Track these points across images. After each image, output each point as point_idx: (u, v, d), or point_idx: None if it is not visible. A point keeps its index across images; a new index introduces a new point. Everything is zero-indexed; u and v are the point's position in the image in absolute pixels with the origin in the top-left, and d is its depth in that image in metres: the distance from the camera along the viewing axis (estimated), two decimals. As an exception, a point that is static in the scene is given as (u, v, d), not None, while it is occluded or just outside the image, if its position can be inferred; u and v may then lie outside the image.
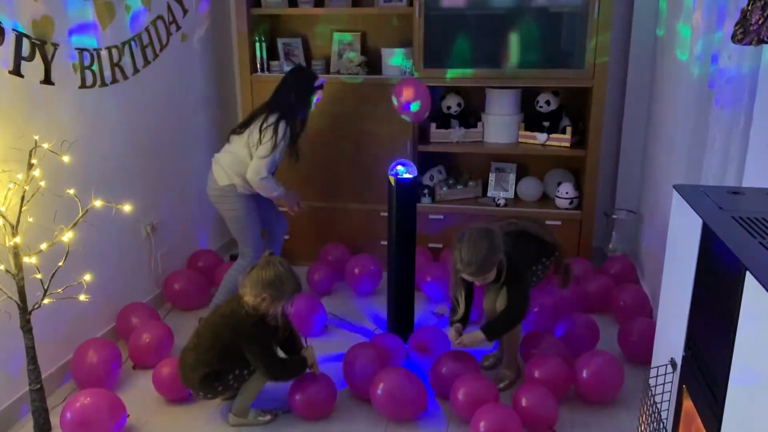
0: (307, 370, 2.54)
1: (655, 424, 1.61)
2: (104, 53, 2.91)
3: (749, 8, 1.72)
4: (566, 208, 3.69)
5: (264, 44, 3.82)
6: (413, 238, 2.99)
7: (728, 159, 2.16)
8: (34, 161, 2.24)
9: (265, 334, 2.44)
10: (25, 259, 2.23)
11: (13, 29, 2.38)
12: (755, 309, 1.13)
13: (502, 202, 3.77)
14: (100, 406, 2.34)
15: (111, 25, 2.94)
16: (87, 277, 2.39)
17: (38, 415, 2.38)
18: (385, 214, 3.05)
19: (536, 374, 2.56)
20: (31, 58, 2.48)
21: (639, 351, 2.80)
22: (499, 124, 3.78)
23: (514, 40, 3.55)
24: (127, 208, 2.46)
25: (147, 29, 3.22)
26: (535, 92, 3.75)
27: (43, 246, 2.25)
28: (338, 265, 3.67)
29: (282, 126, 3.01)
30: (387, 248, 3.04)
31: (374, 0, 3.71)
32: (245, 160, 3.03)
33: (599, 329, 2.94)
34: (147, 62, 3.24)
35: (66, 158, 2.36)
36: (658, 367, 1.66)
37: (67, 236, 2.29)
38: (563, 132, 3.69)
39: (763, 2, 1.66)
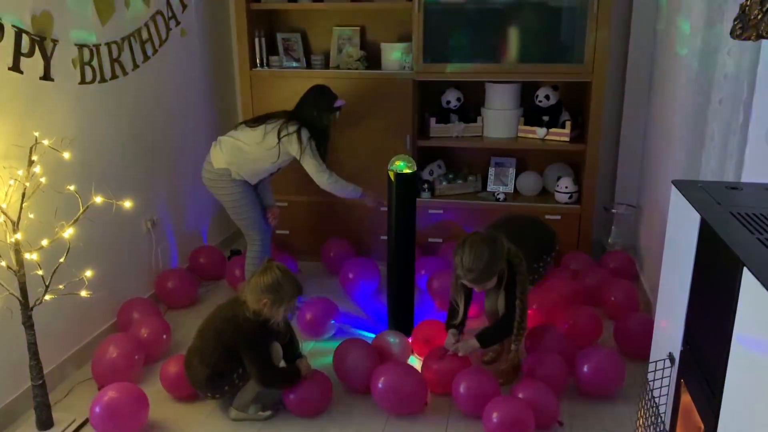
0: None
1: (653, 418, 1.62)
2: (104, 49, 2.91)
3: (748, 3, 1.72)
4: (566, 203, 3.70)
5: (263, 39, 3.82)
6: (413, 233, 3.00)
7: (727, 154, 2.17)
8: (34, 158, 2.25)
9: (264, 339, 2.47)
10: (27, 256, 2.24)
11: (13, 25, 2.38)
12: (752, 305, 1.14)
13: (501, 196, 3.78)
14: (127, 400, 2.39)
15: (110, 20, 2.94)
16: (88, 273, 2.40)
17: (40, 410, 2.39)
18: (385, 209, 3.05)
19: (535, 370, 2.58)
20: (30, 54, 2.48)
21: (635, 346, 2.82)
22: (499, 119, 3.78)
23: (513, 34, 3.55)
24: (127, 204, 2.46)
25: (146, 24, 3.22)
26: (535, 87, 3.75)
27: (45, 242, 2.26)
28: (339, 261, 3.68)
29: (305, 133, 3.07)
30: (386, 243, 3.05)
31: (373, -6, 3.71)
32: (248, 153, 3.07)
33: (602, 322, 2.96)
34: (146, 58, 3.24)
35: (66, 155, 2.37)
36: (656, 361, 1.67)
37: (68, 232, 2.30)
38: (563, 126, 3.69)
39: (761, -2, 1.66)
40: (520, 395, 2.42)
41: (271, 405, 2.58)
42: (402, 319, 3.05)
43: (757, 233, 1.30)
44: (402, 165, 2.91)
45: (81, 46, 2.76)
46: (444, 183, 3.86)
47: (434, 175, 3.93)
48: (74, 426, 2.45)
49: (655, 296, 2.78)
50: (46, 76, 2.57)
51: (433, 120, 3.81)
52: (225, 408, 2.57)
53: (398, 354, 2.77)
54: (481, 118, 3.83)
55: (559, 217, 3.68)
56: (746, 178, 1.96)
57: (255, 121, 3.14)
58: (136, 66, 3.15)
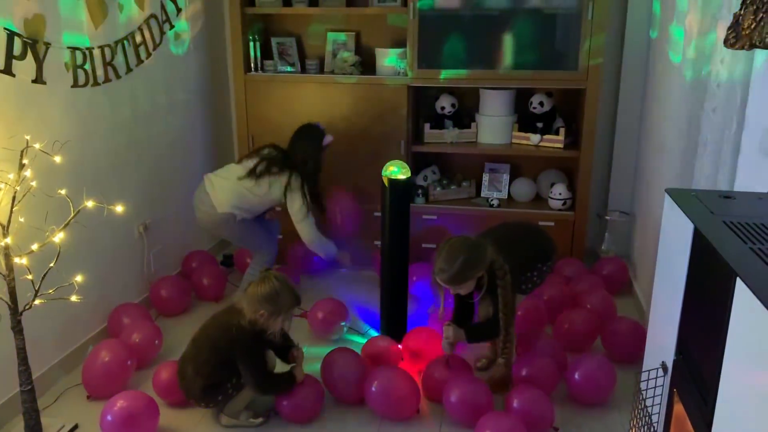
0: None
1: (645, 427, 1.61)
2: (97, 52, 2.89)
3: (741, 12, 1.72)
4: (559, 209, 3.70)
5: (258, 43, 3.81)
6: (407, 239, 2.99)
7: (720, 162, 2.17)
8: (25, 161, 2.23)
9: (260, 348, 2.46)
10: (16, 260, 2.22)
11: (5, 28, 2.36)
12: (745, 315, 1.14)
13: (495, 202, 3.77)
14: (139, 407, 2.39)
15: (104, 24, 2.93)
16: (78, 278, 2.37)
17: (29, 416, 2.36)
18: (379, 214, 3.05)
19: (524, 373, 2.58)
20: (22, 57, 2.46)
21: (623, 352, 2.84)
22: (493, 125, 3.78)
23: (508, 41, 3.56)
24: (119, 208, 2.44)
25: (140, 28, 3.21)
26: (529, 93, 3.75)
27: (35, 246, 2.24)
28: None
29: (306, 190, 3.20)
30: (380, 249, 3.04)
31: (368, 0, 3.71)
32: (253, 199, 3.18)
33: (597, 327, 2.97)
34: (140, 61, 3.22)
35: (57, 158, 2.35)
36: (649, 370, 1.67)
37: (59, 237, 2.28)
38: (557, 133, 3.69)
39: (755, 7, 1.66)
40: (515, 403, 2.42)
41: (263, 412, 2.56)
42: (395, 325, 3.04)
43: (750, 243, 1.30)
44: (396, 170, 2.91)
45: (74, 50, 2.74)
46: (438, 189, 3.86)
47: (428, 180, 3.93)
48: (63, 432, 2.43)
49: (648, 303, 2.78)
50: (39, 79, 2.55)
51: (427, 126, 3.81)
52: (216, 414, 2.55)
53: (388, 359, 2.76)
54: (476, 124, 3.83)
55: (552, 223, 3.68)
56: (739, 186, 1.97)
57: (254, 172, 3.16)
58: (129, 69, 3.14)
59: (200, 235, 3.95)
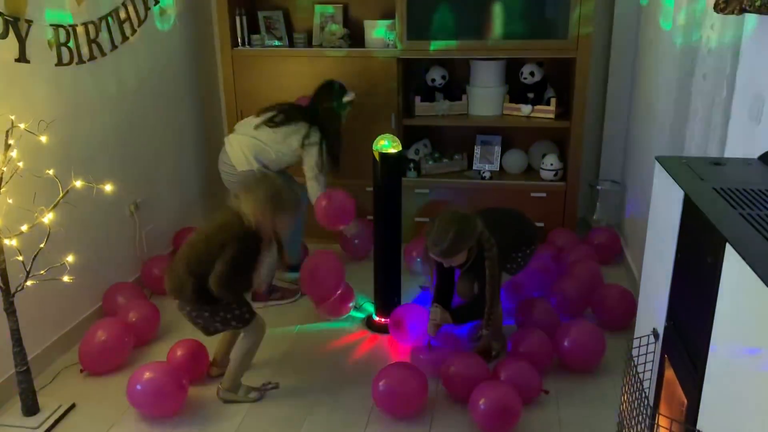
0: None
1: (637, 393, 1.63)
2: (80, 29, 2.85)
3: (731, -23, 1.70)
4: (551, 180, 3.70)
5: (244, 18, 3.75)
6: (399, 213, 2.99)
7: (710, 129, 2.17)
8: (11, 142, 2.20)
9: (250, 247, 2.33)
10: (6, 242, 2.21)
11: (-15, 6, 2.32)
12: (735, 280, 1.14)
13: (487, 175, 3.77)
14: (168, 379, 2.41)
15: (86, 0, 2.87)
16: (70, 258, 2.37)
17: (25, 396, 2.37)
18: (371, 188, 3.04)
19: (519, 348, 2.61)
20: (4, 35, 2.42)
21: (612, 317, 2.89)
22: (484, 97, 3.76)
23: (497, 10, 3.52)
24: (108, 187, 2.43)
25: (124, 4, 3.15)
26: (520, 63, 3.73)
27: (24, 228, 2.22)
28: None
29: (324, 146, 3.17)
30: (373, 223, 3.03)
31: (356, -29, 3.66)
32: (270, 152, 3.13)
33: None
34: (125, 38, 3.17)
35: (44, 138, 2.32)
36: (640, 337, 1.68)
37: (48, 217, 2.26)
38: (548, 103, 3.68)
39: (745, -29, 1.65)
40: (502, 376, 2.44)
41: (259, 387, 2.57)
42: (388, 301, 3.05)
43: (740, 208, 1.31)
44: (387, 144, 2.89)
45: (57, 27, 2.69)
46: (430, 162, 3.84)
47: (420, 154, 3.91)
48: (60, 411, 2.44)
49: (640, 272, 2.80)
50: (22, 58, 2.51)
51: (417, 98, 3.78)
52: (213, 395, 2.57)
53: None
54: (467, 96, 3.80)
55: (544, 194, 3.68)
56: (729, 153, 1.97)
57: (272, 120, 3.15)
58: (114, 47, 3.09)
59: (191, 211, 3.94)
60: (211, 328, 2.44)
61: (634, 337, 1.74)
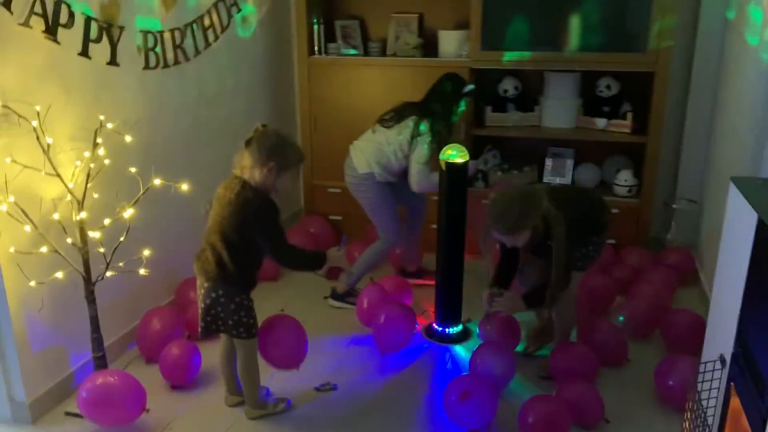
0: (319, 272, 2.47)
1: (701, 421, 1.57)
2: (167, 35, 3.00)
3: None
4: (624, 196, 3.61)
5: (322, 26, 3.85)
6: (463, 223, 2.98)
7: (794, 150, 2.07)
8: (99, 140, 2.35)
9: (275, 212, 2.26)
10: (90, 234, 2.35)
11: (83, 12, 2.48)
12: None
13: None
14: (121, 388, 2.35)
15: (174, 7, 3.02)
16: (146, 252, 2.49)
17: (101, 380, 2.51)
18: (436, 197, 3.05)
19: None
20: (98, 40, 2.58)
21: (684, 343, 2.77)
22: (557, 109, 3.71)
23: (574, 21, 3.47)
24: (184, 186, 2.54)
25: (209, 11, 3.30)
26: (596, 76, 3.66)
27: (107, 221, 2.36)
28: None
29: (437, 138, 3.10)
30: (437, 232, 3.04)
31: (432, -18, 3.69)
32: (387, 152, 3.14)
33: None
34: (208, 44, 3.32)
35: (128, 138, 2.46)
36: (706, 362, 1.63)
37: (128, 212, 2.40)
38: (624, 117, 3.59)
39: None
40: (564, 396, 2.40)
41: (283, 398, 2.56)
42: (451, 309, 3.05)
43: (816, 234, 1.25)
44: (454, 154, 2.89)
45: (146, 33, 2.85)
46: (499, 173, 3.82)
47: (489, 165, 3.89)
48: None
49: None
50: (113, 62, 2.67)
51: (489, 108, 3.77)
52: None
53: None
54: (539, 108, 3.76)
55: (617, 210, 3.58)
56: (813, 175, 1.88)
57: (389, 120, 3.20)
58: (198, 52, 3.24)
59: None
60: (212, 326, 2.35)
61: (701, 362, 1.68)
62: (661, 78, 3.35)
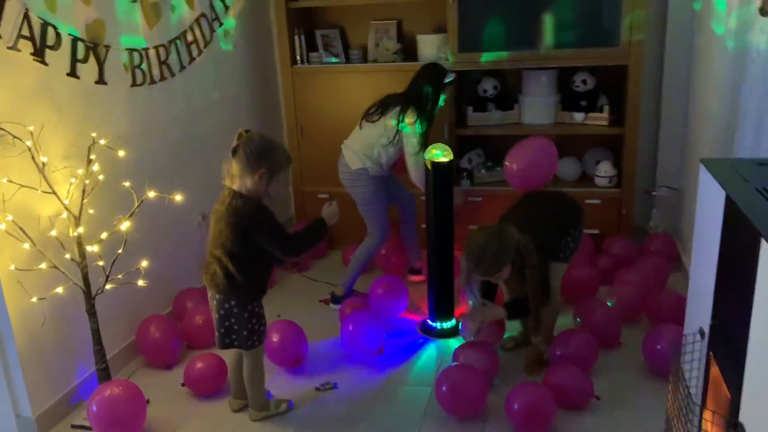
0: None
1: (683, 391, 1.66)
2: (152, 52, 3.06)
3: (775, -19, 1.73)
4: (605, 187, 3.71)
5: (303, 36, 3.93)
6: (451, 221, 3.06)
7: (762, 131, 2.17)
8: (92, 156, 2.41)
9: (269, 213, 2.29)
10: (88, 248, 2.41)
11: (69, 33, 2.54)
12: (770, 274, 1.18)
13: (541, 182, 3.80)
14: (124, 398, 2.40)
15: (157, 24, 3.09)
16: (144, 264, 2.55)
17: (105, 392, 2.56)
18: (423, 198, 3.13)
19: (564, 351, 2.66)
20: (85, 60, 2.64)
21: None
22: (536, 106, 3.80)
23: (548, 20, 3.57)
24: (178, 197, 2.61)
25: (191, 27, 3.37)
26: (572, 72, 3.76)
27: (104, 235, 2.42)
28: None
29: (423, 125, 3.20)
30: (426, 231, 3.12)
31: (409, -13, 3.78)
32: (375, 145, 3.23)
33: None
34: (192, 59, 3.38)
35: (121, 152, 2.52)
36: (687, 335, 1.71)
37: (125, 225, 2.45)
38: (601, 111, 3.69)
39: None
40: (553, 380, 2.49)
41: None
42: (443, 307, 3.12)
43: (779, 206, 1.34)
44: (439, 153, 2.98)
45: (131, 51, 2.91)
46: (483, 171, 3.91)
47: (473, 163, 3.98)
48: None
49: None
50: (101, 80, 2.73)
51: (470, 109, 3.86)
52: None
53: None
54: (518, 106, 3.86)
55: (599, 201, 3.69)
56: (779, 154, 1.97)
57: (373, 114, 3.29)
58: (182, 67, 3.30)
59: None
60: (226, 339, 2.38)
61: (683, 335, 1.76)
62: (634, 70, 3.46)
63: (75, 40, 2.57)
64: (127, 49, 2.89)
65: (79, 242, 2.39)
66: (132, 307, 2.95)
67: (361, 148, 3.26)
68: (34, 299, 2.36)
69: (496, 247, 2.44)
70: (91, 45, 2.66)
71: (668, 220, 3.83)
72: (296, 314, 3.14)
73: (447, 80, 3.30)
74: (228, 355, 2.57)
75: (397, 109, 3.21)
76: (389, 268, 3.68)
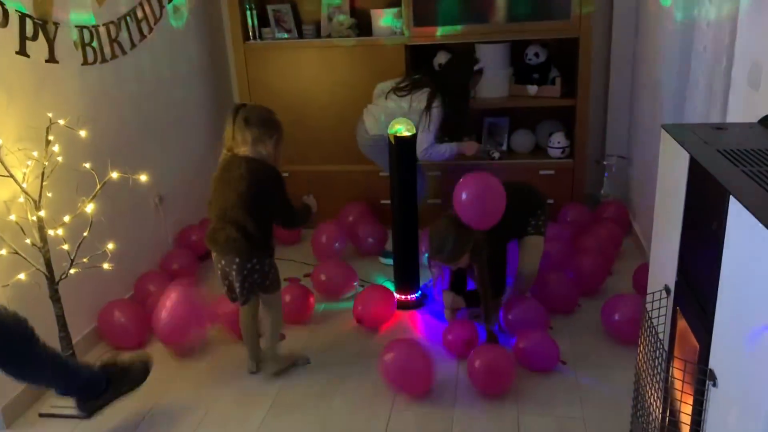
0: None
1: (653, 344, 1.75)
2: (102, 29, 2.97)
3: (727, -48, 1.81)
4: (558, 158, 3.81)
5: (254, 12, 3.87)
6: (415, 195, 3.10)
7: (712, 98, 2.28)
8: (51, 137, 2.33)
9: (282, 178, 2.46)
10: (50, 232, 2.34)
11: (16, 10, 2.44)
12: (739, 229, 1.26)
13: (496, 155, 3.88)
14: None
15: (107, 1, 2.99)
16: (110, 246, 2.50)
17: (72, 379, 2.51)
18: (384, 174, 3.15)
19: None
20: (35, 37, 2.54)
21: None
22: (490, 79, 3.86)
23: (500, -6, 3.62)
24: (143, 178, 2.56)
25: (141, 4, 3.27)
26: (524, 45, 3.83)
27: (66, 218, 2.36)
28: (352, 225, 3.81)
29: (448, 112, 3.30)
30: (390, 206, 3.15)
31: (361, -39, 3.76)
32: (396, 114, 3.25)
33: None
34: (143, 36, 3.29)
35: (83, 133, 2.45)
36: (653, 293, 1.80)
37: (89, 207, 2.39)
38: (553, 83, 3.78)
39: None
40: (522, 345, 2.59)
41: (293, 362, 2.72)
42: (407, 281, 3.16)
43: (742, 166, 1.42)
44: (401, 128, 3.00)
45: (81, 28, 2.81)
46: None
47: (430, 137, 4.01)
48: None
49: (648, 241, 2.92)
50: (51, 59, 2.63)
51: (425, 83, 3.89)
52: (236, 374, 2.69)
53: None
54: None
55: (553, 171, 3.79)
56: (731, 119, 2.08)
57: (402, 89, 3.35)
58: (133, 45, 3.21)
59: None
60: (251, 294, 2.51)
61: (647, 293, 1.86)
62: (585, 43, 3.55)
63: (23, 17, 2.47)
64: (77, 26, 2.79)
65: (41, 226, 2.32)
66: (94, 292, 2.88)
67: (384, 119, 3.29)
68: (-4, 287, 2.28)
69: (456, 236, 2.61)
70: (40, 22, 2.56)
71: (618, 188, 3.97)
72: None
73: (477, 68, 3.42)
74: (241, 317, 2.62)
75: (429, 92, 3.28)
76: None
